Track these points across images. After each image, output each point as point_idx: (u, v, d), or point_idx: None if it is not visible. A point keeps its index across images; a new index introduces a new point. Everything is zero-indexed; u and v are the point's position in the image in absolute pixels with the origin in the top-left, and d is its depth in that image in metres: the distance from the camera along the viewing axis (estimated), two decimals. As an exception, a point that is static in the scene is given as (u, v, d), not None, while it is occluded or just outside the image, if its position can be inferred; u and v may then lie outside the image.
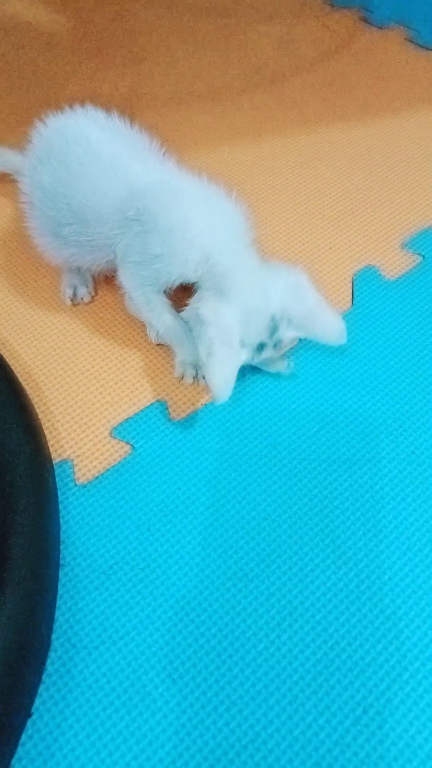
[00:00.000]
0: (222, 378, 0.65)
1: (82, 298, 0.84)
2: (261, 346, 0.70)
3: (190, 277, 0.71)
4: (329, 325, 0.71)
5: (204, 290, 0.70)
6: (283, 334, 0.70)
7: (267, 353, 0.71)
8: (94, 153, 0.74)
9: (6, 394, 0.70)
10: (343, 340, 0.72)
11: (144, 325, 0.82)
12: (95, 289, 0.86)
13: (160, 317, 0.75)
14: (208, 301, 0.69)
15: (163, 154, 0.77)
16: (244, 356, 0.69)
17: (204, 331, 0.67)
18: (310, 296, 0.70)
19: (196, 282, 0.71)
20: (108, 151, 0.74)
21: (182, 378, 0.76)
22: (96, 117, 0.78)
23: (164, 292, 0.75)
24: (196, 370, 0.76)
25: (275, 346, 0.71)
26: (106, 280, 0.87)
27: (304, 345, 0.79)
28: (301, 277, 0.71)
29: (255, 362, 0.72)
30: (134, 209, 0.71)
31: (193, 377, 0.76)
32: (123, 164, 0.74)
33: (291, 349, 0.79)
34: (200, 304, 0.69)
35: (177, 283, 0.72)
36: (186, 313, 0.72)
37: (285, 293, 0.69)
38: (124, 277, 0.75)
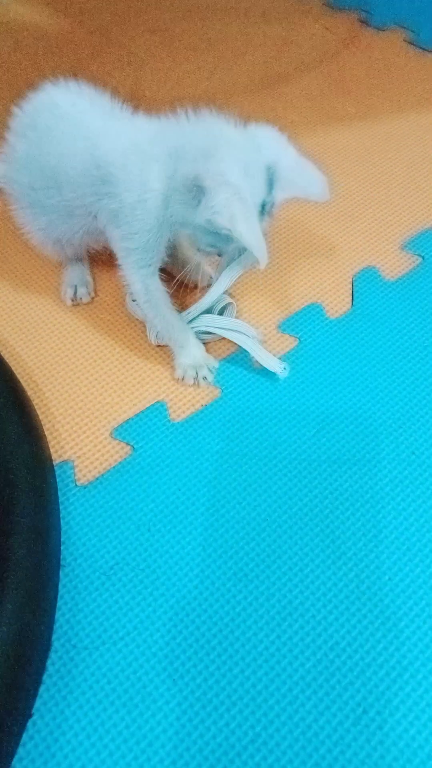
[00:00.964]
0: (256, 235, 0.62)
1: (81, 298, 0.84)
2: (262, 208, 0.66)
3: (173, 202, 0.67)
4: (314, 180, 0.69)
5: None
6: (276, 194, 0.67)
7: (265, 221, 0.67)
8: (61, 117, 0.72)
9: (6, 394, 0.70)
10: (328, 196, 0.69)
11: (142, 324, 0.82)
12: (95, 290, 0.86)
13: (160, 313, 0.75)
14: (206, 170, 0.63)
15: (132, 114, 0.73)
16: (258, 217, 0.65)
17: (215, 197, 0.62)
18: (291, 148, 0.68)
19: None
20: (73, 114, 0.72)
21: (183, 379, 0.76)
22: (65, 86, 0.75)
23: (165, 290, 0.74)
24: (197, 371, 0.76)
25: (270, 210, 0.67)
26: (105, 280, 0.87)
27: (304, 345, 0.80)
28: (279, 132, 0.68)
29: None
30: (100, 176, 0.69)
31: (194, 378, 0.76)
32: (86, 126, 0.71)
33: (287, 352, 0.79)
34: (199, 174, 0.63)
35: (168, 241, 0.71)
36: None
37: (271, 145, 0.67)
38: (123, 265, 0.73)
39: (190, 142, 0.65)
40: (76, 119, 0.72)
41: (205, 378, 0.76)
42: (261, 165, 0.65)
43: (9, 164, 0.77)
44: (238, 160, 0.63)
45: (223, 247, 0.70)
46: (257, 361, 0.77)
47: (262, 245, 0.63)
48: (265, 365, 0.76)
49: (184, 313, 0.78)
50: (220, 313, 0.80)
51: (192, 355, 0.76)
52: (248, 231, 0.62)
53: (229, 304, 0.80)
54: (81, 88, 0.75)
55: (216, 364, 0.77)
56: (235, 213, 0.61)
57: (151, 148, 0.67)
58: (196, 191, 0.63)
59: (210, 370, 0.76)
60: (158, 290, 0.74)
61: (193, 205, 0.64)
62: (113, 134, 0.70)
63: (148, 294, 0.74)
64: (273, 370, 0.76)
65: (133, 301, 0.80)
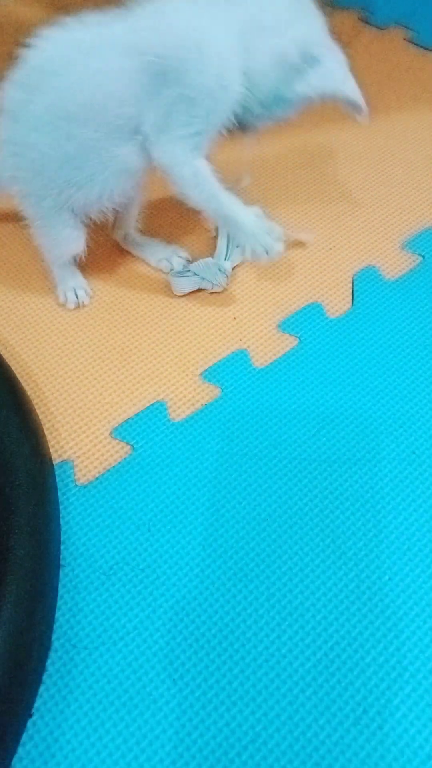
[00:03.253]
0: (355, 86, 0.67)
1: (83, 301, 0.84)
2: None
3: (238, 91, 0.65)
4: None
5: None
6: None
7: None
8: (90, 44, 0.67)
9: (6, 394, 0.70)
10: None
11: (142, 324, 0.82)
12: (93, 290, 0.86)
13: (212, 193, 0.69)
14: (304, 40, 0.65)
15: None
16: None
17: (326, 64, 0.65)
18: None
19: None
20: (101, 34, 0.67)
21: (253, 257, 0.72)
22: (68, 24, 0.69)
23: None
24: (262, 244, 0.72)
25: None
26: (105, 279, 0.87)
27: (304, 344, 0.80)
28: None
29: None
30: (158, 71, 0.64)
31: (266, 253, 0.72)
32: (124, 35, 0.66)
33: (287, 351, 0.79)
34: (299, 46, 0.64)
35: (227, 119, 0.67)
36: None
37: None
38: (167, 156, 0.68)
39: (264, 12, 0.64)
40: (107, 40, 0.66)
41: (270, 251, 0.73)
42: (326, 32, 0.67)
43: (20, 126, 0.70)
44: (321, 29, 0.66)
45: (288, 115, 0.70)
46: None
47: (363, 100, 0.67)
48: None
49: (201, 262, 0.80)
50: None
51: (251, 229, 0.72)
52: (356, 90, 0.67)
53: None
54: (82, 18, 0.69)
55: (279, 229, 0.74)
56: (344, 75, 0.66)
57: (216, 24, 0.64)
58: (304, 64, 0.64)
59: (278, 237, 0.73)
60: (207, 170, 0.69)
61: (295, 78, 0.64)
62: (165, 23, 0.65)
63: (197, 177, 0.69)
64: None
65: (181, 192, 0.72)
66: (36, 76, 0.69)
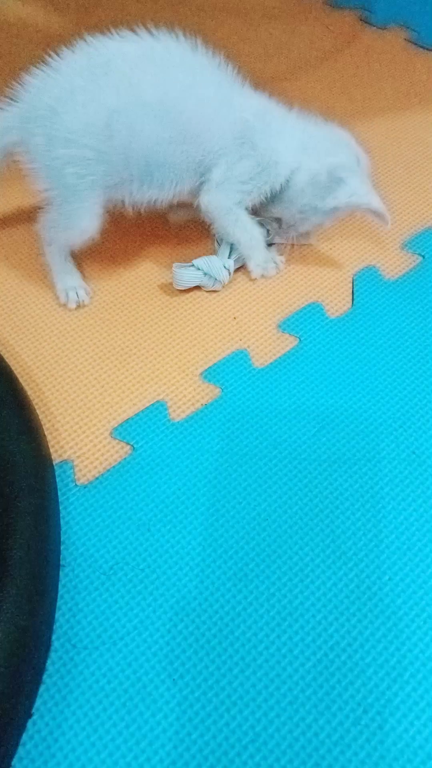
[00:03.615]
0: (382, 204, 0.80)
1: (83, 300, 0.84)
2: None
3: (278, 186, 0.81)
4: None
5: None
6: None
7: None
8: (200, 75, 0.77)
9: (6, 394, 0.70)
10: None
11: (142, 324, 0.82)
12: (93, 290, 0.86)
13: (240, 222, 0.82)
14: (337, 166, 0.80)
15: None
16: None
17: (350, 184, 0.79)
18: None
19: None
20: (211, 75, 0.78)
21: (263, 274, 0.86)
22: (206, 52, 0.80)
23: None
24: (273, 262, 0.87)
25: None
26: (105, 279, 0.87)
27: (304, 344, 0.80)
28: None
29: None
30: (244, 130, 0.78)
31: (275, 269, 0.87)
32: (229, 92, 0.79)
33: (287, 351, 0.79)
34: (332, 169, 0.79)
35: (266, 194, 0.81)
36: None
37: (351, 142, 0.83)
38: (218, 201, 0.80)
39: (316, 142, 0.81)
40: (220, 86, 0.78)
41: (277, 264, 0.87)
42: (356, 158, 0.81)
43: (132, 108, 0.73)
44: (351, 156, 0.81)
45: (326, 224, 0.85)
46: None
47: (386, 211, 0.80)
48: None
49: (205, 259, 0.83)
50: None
51: (264, 253, 0.86)
52: (379, 203, 0.80)
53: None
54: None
55: (280, 259, 0.88)
56: (367, 191, 0.80)
57: (286, 128, 0.81)
58: (332, 183, 0.79)
59: (277, 262, 0.87)
60: (246, 216, 0.82)
61: (325, 194, 0.80)
62: (260, 104, 0.81)
63: (230, 213, 0.81)
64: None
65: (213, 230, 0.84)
66: (158, 68, 0.75)
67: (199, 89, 0.76)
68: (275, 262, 0.87)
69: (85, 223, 0.78)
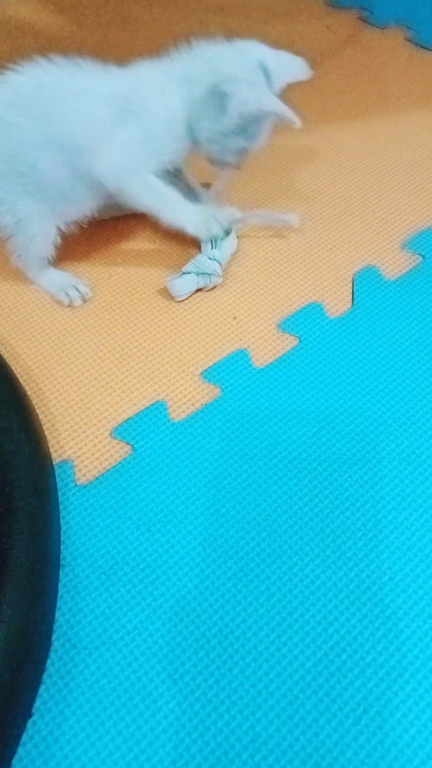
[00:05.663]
0: (283, 105, 0.75)
1: (85, 295, 0.84)
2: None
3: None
4: (296, 63, 0.81)
5: None
6: (275, 83, 0.78)
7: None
8: (81, 87, 0.78)
9: (6, 394, 0.70)
10: (310, 72, 0.82)
11: (142, 324, 0.82)
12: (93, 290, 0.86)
13: (161, 193, 0.79)
14: (221, 79, 0.76)
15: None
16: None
17: (239, 93, 0.74)
18: (269, 48, 0.80)
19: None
20: (90, 81, 0.78)
21: (205, 232, 0.82)
22: (61, 62, 0.79)
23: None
24: (212, 218, 0.82)
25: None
26: (105, 279, 0.87)
27: (304, 344, 0.80)
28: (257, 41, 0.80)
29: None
30: (118, 107, 0.76)
31: (218, 227, 0.82)
32: (92, 84, 0.78)
33: (287, 351, 0.79)
34: (215, 83, 0.75)
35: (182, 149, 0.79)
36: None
37: (254, 49, 0.79)
38: (119, 164, 0.77)
39: (195, 68, 0.77)
40: (93, 88, 0.78)
41: (219, 221, 0.83)
42: (255, 63, 0.76)
43: (15, 146, 0.77)
44: (240, 64, 0.76)
45: (249, 146, 0.80)
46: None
47: (289, 110, 0.76)
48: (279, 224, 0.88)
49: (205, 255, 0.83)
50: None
51: (194, 211, 0.81)
52: (276, 103, 0.75)
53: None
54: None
55: (230, 211, 0.85)
56: (259, 95, 0.75)
57: (163, 80, 0.78)
58: (219, 99, 0.75)
59: (221, 219, 0.83)
60: (156, 180, 0.79)
61: (220, 114, 0.75)
62: (128, 76, 0.79)
63: (136, 176, 0.78)
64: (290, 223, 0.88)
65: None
66: (28, 102, 0.76)
67: (71, 104, 0.76)
68: (216, 219, 0.83)
69: (40, 245, 0.82)
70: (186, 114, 0.77)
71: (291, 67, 0.80)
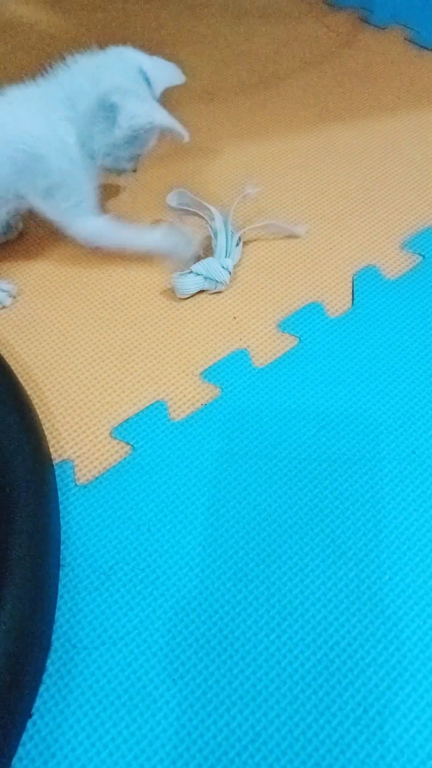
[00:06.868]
0: (171, 118, 0.76)
1: (10, 290, 0.85)
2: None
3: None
4: (171, 69, 0.81)
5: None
6: (155, 88, 0.78)
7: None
8: None
9: (6, 394, 0.70)
10: (184, 77, 0.82)
11: (142, 324, 0.82)
12: (94, 290, 0.86)
13: (122, 234, 0.83)
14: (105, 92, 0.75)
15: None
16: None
17: (126, 105, 0.73)
18: (144, 54, 0.79)
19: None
20: None
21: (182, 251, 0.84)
22: None
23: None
24: (181, 240, 0.84)
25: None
26: (104, 279, 0.87)
27: (304, 344, 0.80)
28: (129, 47, 0.80)
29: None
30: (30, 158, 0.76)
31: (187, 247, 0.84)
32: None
33: (287, 351, 0.79)
34: (100, 96, 0.74)
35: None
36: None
37: (130, 55, 0.78)
38: (68, 224, 0.80)
39: (74, 84, 0.76)
40: None
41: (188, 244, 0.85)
42: (135, 70, 0.77)
43: None
44: (121, 72, 0.76)
45: (141, 152, 0.80)
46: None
47: (178, 123, 0.76)
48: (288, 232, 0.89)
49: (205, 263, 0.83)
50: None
51: (166, 236, 0.84)
52: (165, 116, 0.75)
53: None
54: None
55: (189, 235, 0.86)
56: (148, 108, 0.75)
57: (43, 106, 0.76)
58: (109, 111, 0.74)
59: (189, 242, 0.85)
60: (106, 220, 0.82)
61: (110, 126, 0.75)
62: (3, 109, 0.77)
63: (101, 230, 0.82)
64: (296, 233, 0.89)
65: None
66: None
67: None
68: (182, 234, 0.85)
69: None
70: (75, 134, 0.76)
71: (167, 73, 0.80)
